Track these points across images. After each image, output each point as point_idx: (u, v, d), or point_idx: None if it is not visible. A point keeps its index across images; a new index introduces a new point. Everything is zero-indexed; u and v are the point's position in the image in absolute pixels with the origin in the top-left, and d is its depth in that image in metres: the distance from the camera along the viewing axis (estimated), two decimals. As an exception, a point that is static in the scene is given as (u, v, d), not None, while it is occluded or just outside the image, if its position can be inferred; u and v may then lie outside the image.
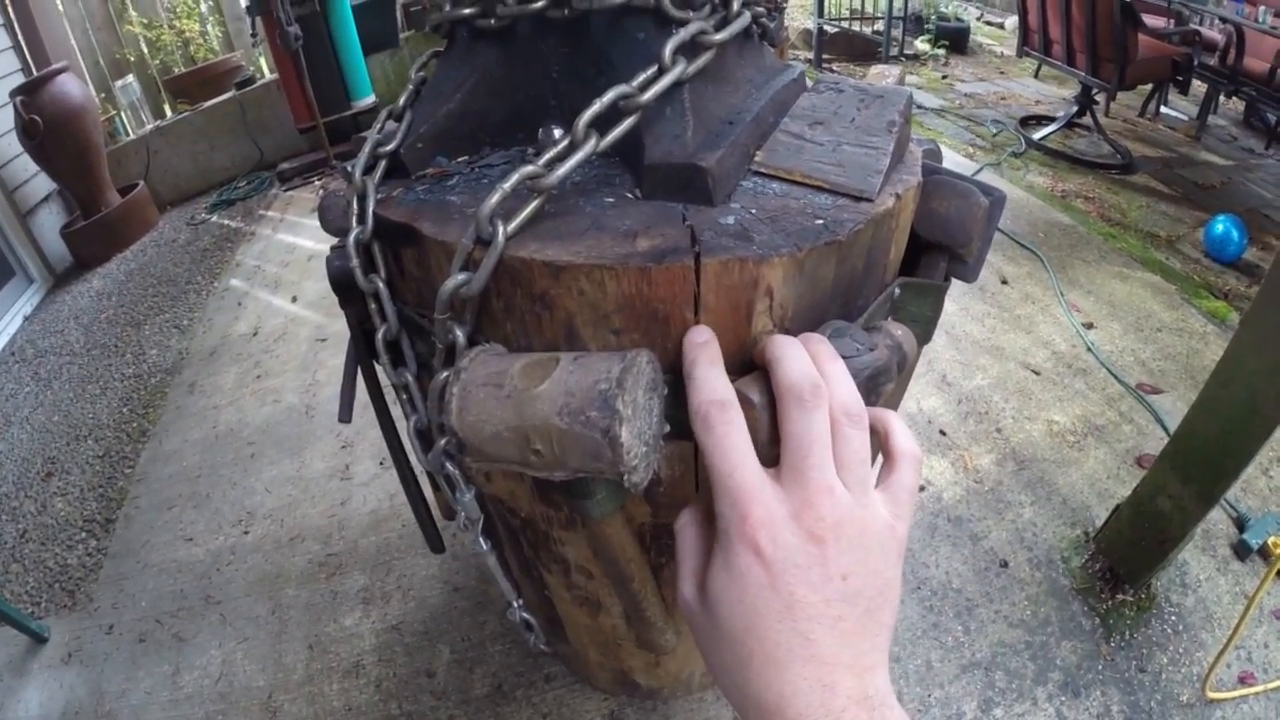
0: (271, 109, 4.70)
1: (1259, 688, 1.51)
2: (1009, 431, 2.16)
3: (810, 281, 0.70)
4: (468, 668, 1.65)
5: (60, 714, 1.70)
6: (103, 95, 4.77)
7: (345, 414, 1.09)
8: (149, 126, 4.79)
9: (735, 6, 0.81)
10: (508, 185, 0.68)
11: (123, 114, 4.91)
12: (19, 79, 3.98)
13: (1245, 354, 1.42)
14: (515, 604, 1.26)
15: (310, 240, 3.80)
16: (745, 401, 0.63)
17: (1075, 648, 1.60)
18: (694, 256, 0.65)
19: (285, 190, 4.52)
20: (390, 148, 0.90)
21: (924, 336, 0.96)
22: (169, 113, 5.07)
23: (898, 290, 0.87)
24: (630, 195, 0.77)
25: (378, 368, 1.03)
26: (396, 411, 1.05)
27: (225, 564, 2.01)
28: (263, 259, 3.75)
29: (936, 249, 0.94)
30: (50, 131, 3.71)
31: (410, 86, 0.98)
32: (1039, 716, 1.47)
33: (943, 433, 2.17)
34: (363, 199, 0.85)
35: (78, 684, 1.76)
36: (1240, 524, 1.84)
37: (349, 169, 0.90)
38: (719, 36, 0.77)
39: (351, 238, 0.83)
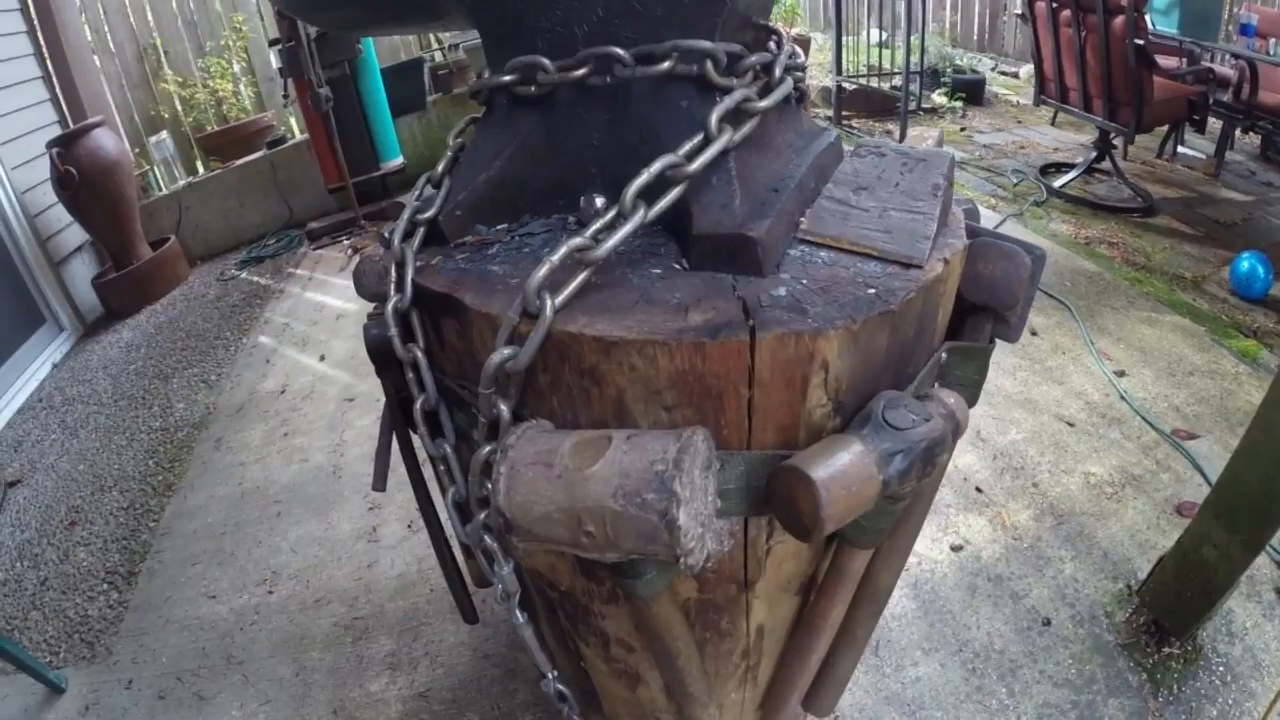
0: (302, 169, 4.80)
1: None
2: (1046, 486, 2.11)
3: (864, 353, 0.69)
4: (498, 737, 1.62)
5: None
6: (137, 150, 4.88)
7: (379, 483, 1.07)
8: (181, 182, 4.90)
9: (778, 73, 0.81)
10: (556, 258, 0.67)
11: (156, 169, 5.03)
12: (56, 131, 4.10)
13: None
14: (550, 676, 1.23)
15: (339, 299, 3.84)
16: (802, 479, 0.62)
17: (1123, 705, 1.54)
18: (749, 331, 0.63)
19: (314, 249, 4.58)
20: (429, 215, 0.89)
21: (971, 400, 0.94)
22: (201, 169, 5.19)
23: (945, 355, 0.86)
24: (677, 266, 0.76)
25: (414, 436, 1.01)
26: (429, 478, 1.03)
27: (249, 623, 1.98)
28: (291, 317, 3.78)
29: (981, 311, 0.93)
30: (85, 183, 3.80)
31: (449, 153, 0.98)
32: None
33: (979, 490, 2.12)
34: (401, 267, 0.84)
35: None
36: None
37: (386, 235, 0.90)
38: (763, 104, 0.76)
39: (390, 306, 0.83)
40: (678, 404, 0.67)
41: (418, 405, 0.86)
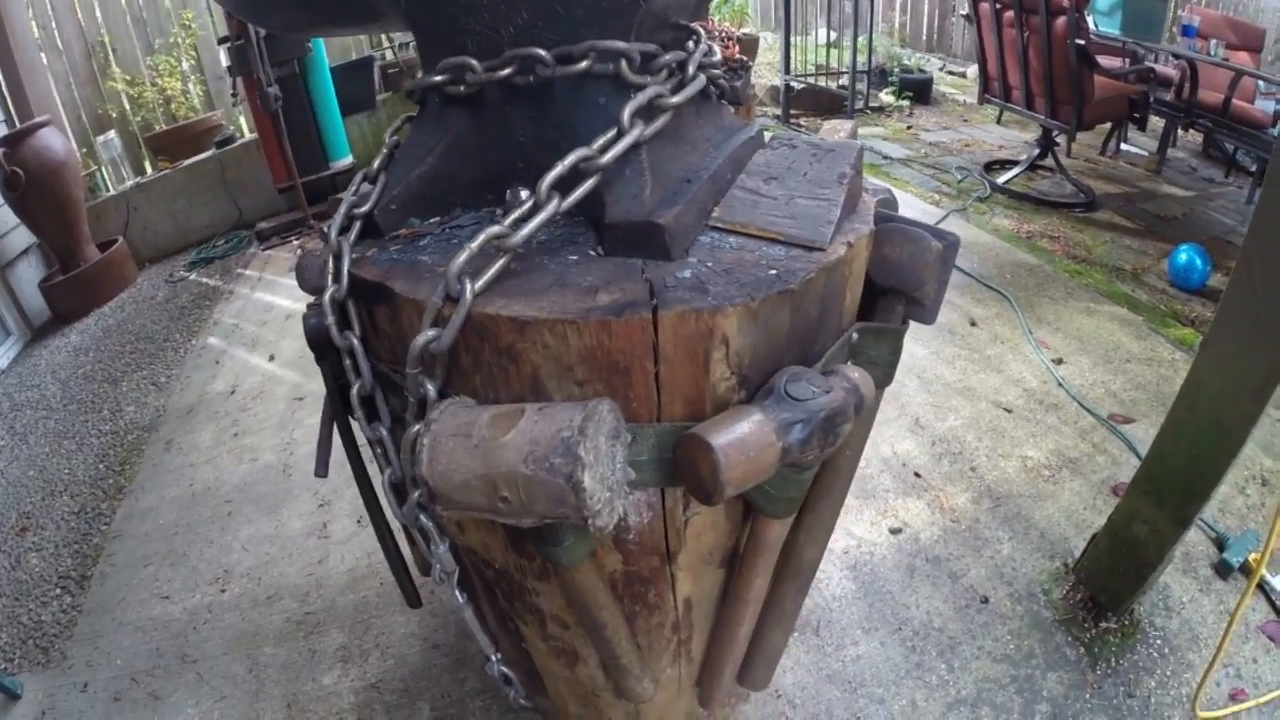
0: (250, 168, 4.73)
1: (1250, 703, 1.51)
2: (983, 470, 2.18)
3: (765, 330, 0.73)
4: (449, 725, 1.64)
5: None
6: (84, 150, 4.78)
7: (322, 469, 1.10)
8: (129, 183, 4.80)
9: (691, 70, 0.85)
10: (475, 245, 0.71)
11: (103, 169, 4.93)
12: (2, 131, 4.00)
13: (1207, 376, 1.46)
14: (493, 658, 1.26)
15: (288, 299, 3.81)
16: (702, 446, 0.66)
17: (1061, 678, 1.60)
18: (651, 309, 0.68)
19: (263, 249, 4.53)
20: (365, 209, 0.93)
21: (885, 379, 0.99)
22: (149, 169, 5.09)
23: (855, 335, 0.91)
24: (593, 253, 0.80)
25: (353, 423, 1.04)
26: (373, 468, 1.06)
27: (202, 622, 1.98)
28: (241, 317, 3.75)
29: (892, 293, 0.98)
30: (31, 184, 3.72)
31: (384, 150, 1.02)
32: None
33: (917, 475, 2.19)
34: (338, 259, 0.88)
35: None
36: (1220, 543, 1.86)
37: (326, 229, 0.93)
38: (675, 99, 0.81)
39: (327, 296, 0.86)
40: (589, 379, 0.71)
41: (354, 390, 0.90)
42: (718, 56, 0.92)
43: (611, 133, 0.76)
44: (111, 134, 4.99)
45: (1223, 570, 1.81)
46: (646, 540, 0.88)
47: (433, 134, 0.96)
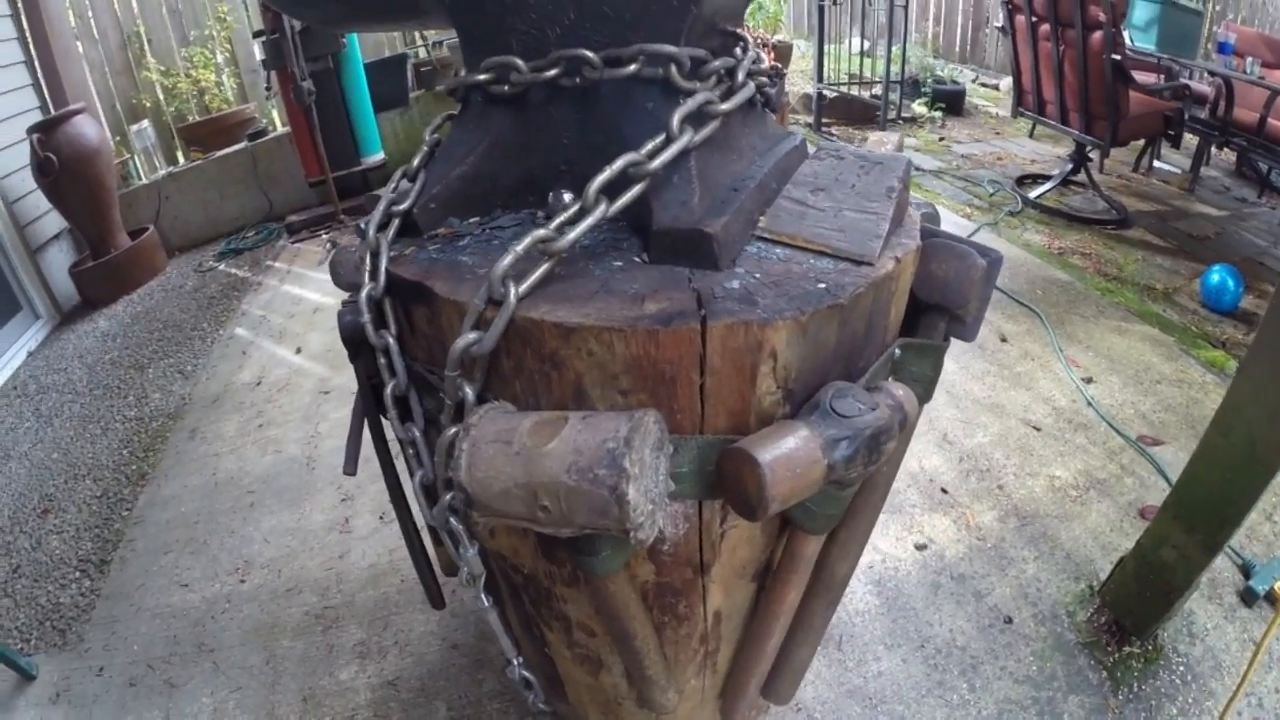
0: (282, 161, 4.77)
1: None
2: (1011, 488, 2.15)
3: (813, 344, 0.72)
4: (465, 726, 1.63)
5: None
6: (118, 139, 4.83)
7: (350, 466, 1.10)
8: (161, 172, 4.85)
9: (740, 77, 0.84)
10: (520, 248, 0.70)
11: (136, 158, 4.98)
12: (36, 116, 4.04)
13: (1243, 401, 1.43)
14: (515, 662, 1.25)
15: (316, 293, 3.83)
16: (748, 461, 0.64)
17: (1083, 702, 1.57)
18: (700, 320, 0.67)
19: (293, 242, 4.56)
20: (404, 207, 0.92)
21: (925, 395, 0.97)
22: (182, 160, 5.13)
23: (898, 351, 0.89)
24: (638, 259, 0.79)
25: (384, 422, 1.04)
26: (400, 465, 1.05)
27: (220, 612, 1.99)
28: (269, 309, 3.77)
29: (935, 310, 0.96)
30: (65, 170, 3.76)
31: (425, 148, 1.01)
32: None
33: (944, 490, 2.16)
34: (376, 256, 0.87)
35: None
36: (1246, 571, 1.82)
37: (362, 226, 0.92)
38: (725, 106, 0.79)
39: (364, 293, 0.85)
40: (633, 389, 0.70)
41: (388, 390, 0.89)
42: (765, 64, 0.91)
43: (660, 138, 0.75)
44: (145, 123, 5.04)
45: (1248, 598, 1.77)
46: (681, 552, 0.87)
47: (475, 133, 0.95)
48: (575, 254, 0.81)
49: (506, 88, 0.88)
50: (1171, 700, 1.56)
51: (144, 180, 4.79)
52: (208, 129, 4.98)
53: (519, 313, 0.69)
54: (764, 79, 0.91)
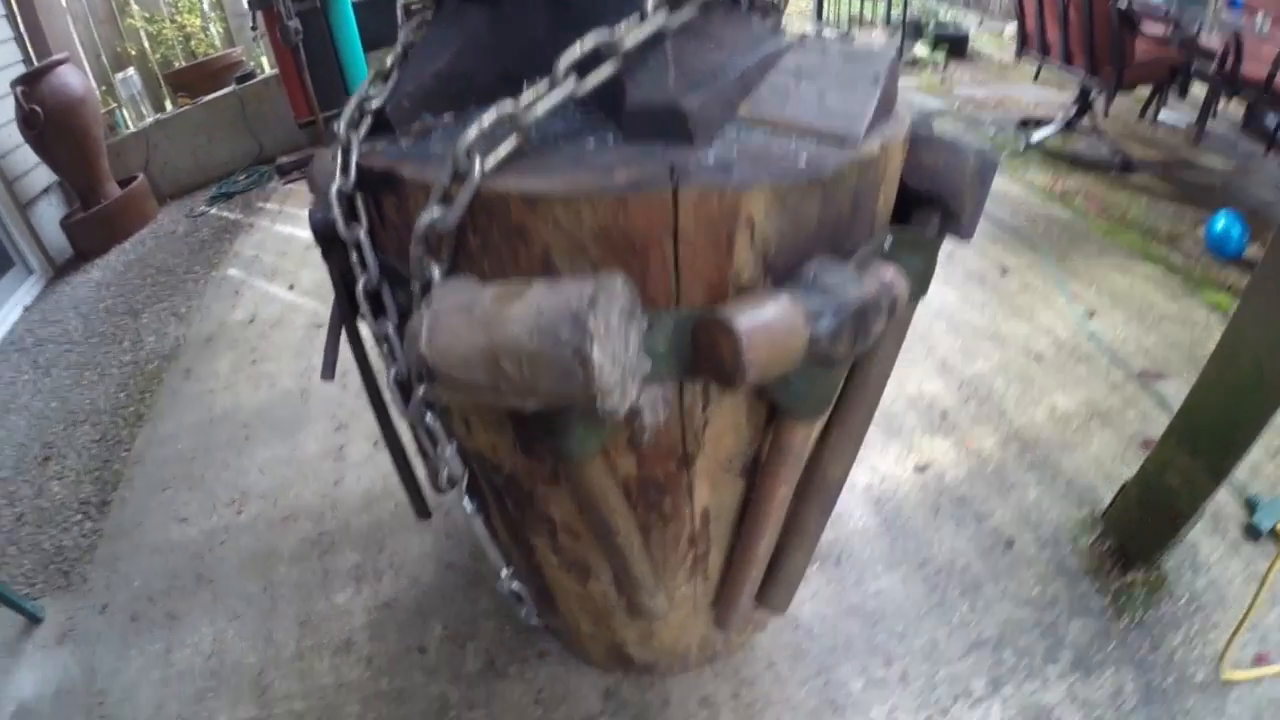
0: (271, 104, 4.68)
1: (1276, 668, 1.46)
2: (1012, 415, 2.13)
3: (793, 218, 0.69)
4: (460, 644, 1.63)
5: (53, 694, 1.68)
6: (103, 88, 4.73)
7: (328, 372, 1.08)
8: (149, 120, 4.77)
9: (721, -37, 0.80)
10: (486, 121, 0.68)
11: (123, 108, 4.88)
12: (20, 70, 3.96)
13: (1249, 325, 1.39)
14: (505, 573, 1.24)
15: (308, 231, 3.76)
16: (723, 326, 0.62)
17: (1086, 626, 1.56)
18: (672, 186, 0.64)
19: (284, 183, 4.48)
20: (376, 104, 0.90)
21: (919, 290, 0.95)
22: (169, 106, 5.04)
23: (889, 241, 0.86)
24: (612, 140, 0.76)
25: (361, 326, 1.01)
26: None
27: (218, 543, 1.99)
28: (261, 249, 3.73)
29: (928, 204, 0.93)
30: (50, 122, 3.70)
31: (398, 48, 0.98)
32: (1050, 695, 1.44)
33: (944, 415, 2.14)
34: (347, 151, 0.85)
35: (71, 663, 1.74)
36: (1250, 507, 1.79)
37: (334, 125, 0.90)
38: (702, -10, 0.75)
39: (334, 188, 0.83)
40: (603, 260, 0.68)
41: (360, 285, 0.88)
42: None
43: (634, 17, 0.72)
44: (130, 71, 4.94)
45: (1253, 534, 1.75)
46: (663, 442, 0.85)
47: (449, 32, 0.93)
48: (547, 138, 0.78)
49: (479, -18, 0.84)
50: (1175, 629, 1.55)
51: (131, 129, 4.70)
52: (194, 74, 4.88)
53: (485, 186, 0.67)
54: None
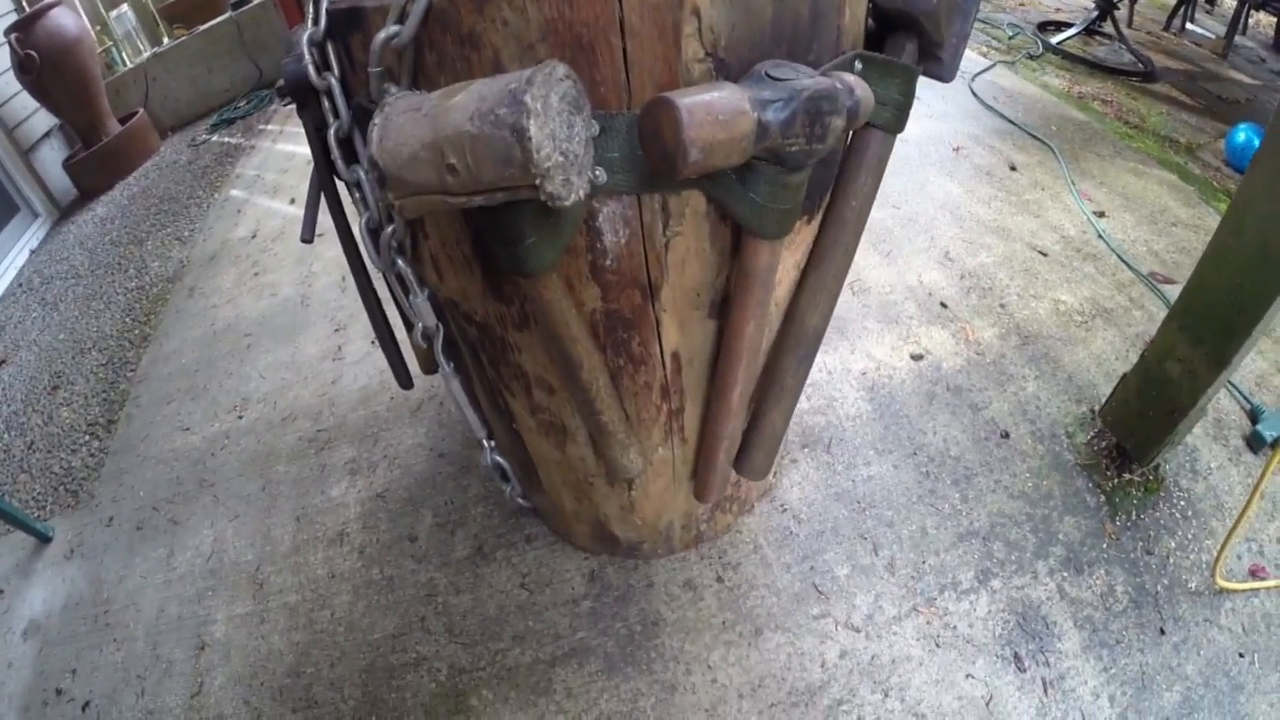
0: (269, 26, 4.60)
1: (1271, 582, 1.44)
2: (1013, 308, 2.09)
3: (744, 11, 0.67)
4: (449, 531, 1.65)
5: (61, 607, 1.73)
6: (98, 28, 4.70)
7: (307, 232, 1.07)
8: (146, 54, 4.72)
9: None
10: None
11: (119, 45, 4.84)
12: (13, 19, 3.93)
13: (1257, 197, 1.32)
14: (487, 445, 1.25)
15: (309, 148, 3.76)
16: (665, 105, 0.60)
17: (1079, 524, 1.54)
18: None
19: (284, 104, 4.41)
20: None
21: (894, 125, 0.92)
22: (165, 39, 4.99)
23: (859, 65, 0.83)
24: None
25: (340, 188, 1.00)
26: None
27: (220, 448, 2.02)
28: (262, 169, 3.73)
29: (902, 31, 0.90)
30: (47, 65, 3.69)
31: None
32: (1039, 591, 1.43)
33: (944, 305, 2.10)
34: (317, 2, 0.83)
35: (78, 577, 1.79)
36: (1254, 416, 1.75)
37: None
38: None
39: (305, 36, 0.83)
40: (551, 58, 0.66)
41: (331, 131, 0.88)
42: None
43: None
44: (124, 8, 4.89)
45: (1255, 443, 1.70)
46: (625, 268, 0.83)
47: None
48: None
49: None
50: (1170, 533, 1.52)
51: (129, 65, 4.67)
52: (189, 4, 4.82)
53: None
54: None
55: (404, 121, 0.63)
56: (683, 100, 0.60)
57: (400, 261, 0.91)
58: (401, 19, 0.69)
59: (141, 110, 4.33)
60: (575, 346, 0.85)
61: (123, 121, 4.22)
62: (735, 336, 0.91)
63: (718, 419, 1.05)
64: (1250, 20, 4.39)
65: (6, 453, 2.27)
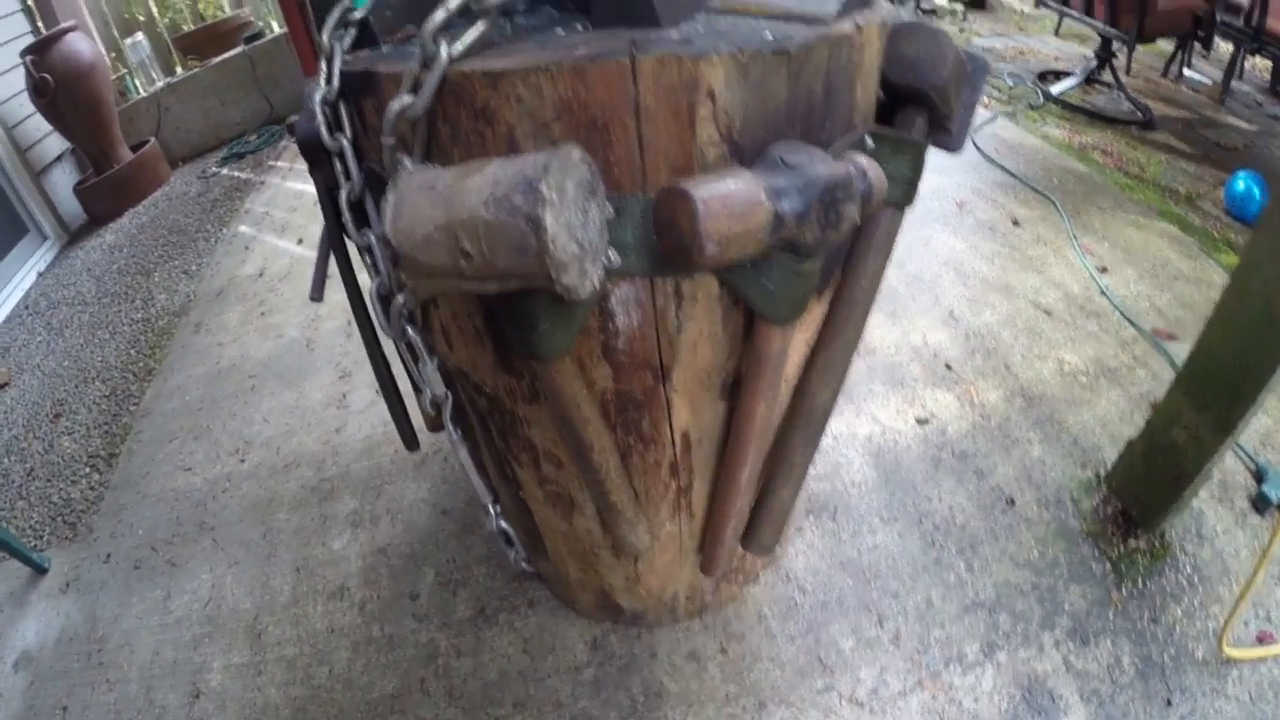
0: (281, 63, 4.67)
1: (1279, 649, 1.40)
2: (1018, 369, 2.08)
3: (758, 93, 0.67)
4: (451, 590, 1.63)
5: (55, 641, 1.71)
6: (113, 55, 4.74)
7: (316, 292, 1.08)
8: (159, 84, 4.77)
9: None
10: (453, 3, 0.66)
11: (133, 73, 4.89)
12: (29, 41, 3.98)
13: (1263, 259, 1.31)
14: (493, 510, 1.24)
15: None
16: (681, 196, 0.60)
17: (1085, 593, 1.51)
18: (629, 55, 0.62)
19: (295, 140, 4.46)
20: (359, 15, 0.88)
21: (904, 199, 0.92)
22: (179, 70, 5.04)
23: (870, 140, 0.83)
24: (581, 29, 0.75)
25: (350, 247, 1.01)
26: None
27: (221, 491, 2.01)
28: (271, 205, 3.75)
29: (912, 105, 0.90)
30: (61, 89, 3.73)
31: (382, -42, 0.96)
32: (1045, 663, 1.40)
33: (949, 367, 2.10)
34: (330, 59, 0.84)
35: (74, 611, 1.77)
36: (1259, 476, 1.72)
37: (318, 35, 0.89)
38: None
39: (318, 96, 0.83)
40: (564, 137, 0.67)
41: (343, 194, 0.87)
42: None
43: None
44: (139, 36, 4.95)
45: (1260, 505, 1.67)
46: (637, 349, 0.83)
47: None
48: (519, 32, 0.76)
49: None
50: (1177, 601, 1.49)
51: (142, 94, 4.71)
52: (203, 36, 4.89)
53: (453, 70, 0.66)
54: None
55: (418, 200, 0.63)
56: (699, 192, 0.59)
57: (410, 330, 0.90)
58: (415, 89, 0.69)
59: (153, 139, 4.37)
60: (586, 428, 0.85)
61: (134, 149, 4.26)
62: (746, 418, 0.91)
63: (726, 497, 1.04)
64: (1246, 65, 4.45)
65: (5, 478, 2.26)
